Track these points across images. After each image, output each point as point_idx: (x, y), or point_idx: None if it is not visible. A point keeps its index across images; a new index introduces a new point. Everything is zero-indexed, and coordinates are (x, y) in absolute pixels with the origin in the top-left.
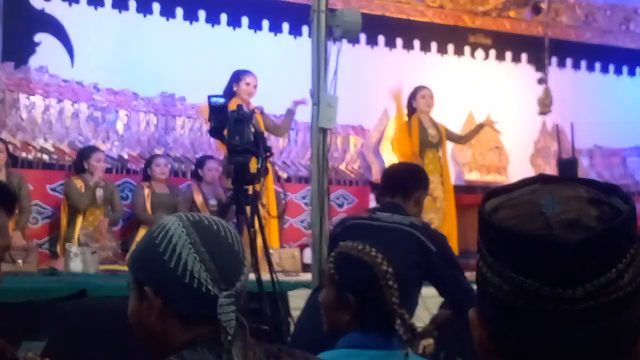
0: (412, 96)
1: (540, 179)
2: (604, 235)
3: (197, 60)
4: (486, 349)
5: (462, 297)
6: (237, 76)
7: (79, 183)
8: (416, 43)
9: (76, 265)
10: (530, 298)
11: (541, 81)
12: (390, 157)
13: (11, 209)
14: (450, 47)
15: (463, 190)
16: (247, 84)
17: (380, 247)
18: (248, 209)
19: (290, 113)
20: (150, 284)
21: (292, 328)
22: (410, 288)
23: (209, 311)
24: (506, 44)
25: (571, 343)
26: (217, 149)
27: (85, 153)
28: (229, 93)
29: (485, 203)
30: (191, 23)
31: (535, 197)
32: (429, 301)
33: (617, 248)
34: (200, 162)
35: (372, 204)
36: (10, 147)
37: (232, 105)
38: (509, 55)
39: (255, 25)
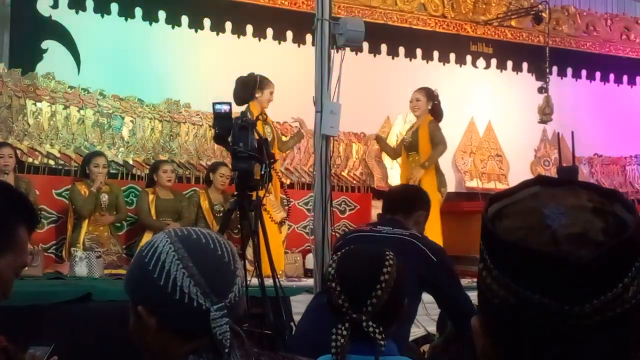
0: None
1: (540, 181)
2: (613, 252)
3: (202, 67)
4: (489, 357)
5: (462, 312)
6: (262, 84)
7: (82, 189)
8: (418, 52)
9: (81, 270)
10: (536, 312)
11: (542, 90)
12: (391, 164)
13: (32, 227)
14: (452, 56)
15: (464, 197)
16: (271, 92)
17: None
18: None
19: (299, 135)
20: (143, 303)
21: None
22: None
23: (203, 325)
24: (507, 53)
25: (576, 356)
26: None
27: (87, 158)
28: (247, 97)
29: (487, 209)
30: (196, 31)
31: (538, 204)
32: (429, 307)
33: (624, 263)
34: (213, 168)
35: (374, 210)
36: (17, 153)
37: (254, 108)
38: (510, 64)
39: (259, 34)
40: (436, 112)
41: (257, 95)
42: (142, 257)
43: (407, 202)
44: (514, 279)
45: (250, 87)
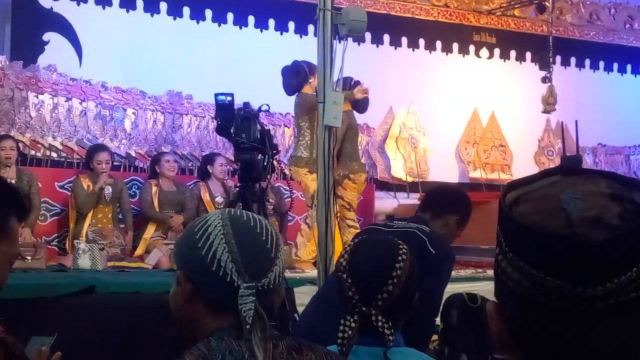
0: None
1: (561, 171)
2: (627, 235)
3: (204, 58)
4: (504, 341)
5: (421, 313)
6: (312, 68)
7: (86, 182)
8: (421, 42)
9: (84, 262)
10: (550, 295)
11: (545, 79)
12: (394, 155)
13: (22, 216)
14: (455, 46)
15: (467, 188)
16: None
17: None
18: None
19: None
20: (183, 268)
21: None
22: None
23: (231, 301)
24: (510, 42)
25: (589, 339)
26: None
27: (90, 153)
28: (302, 83)
29: (505, 195)
30: (198, 22)
31: (556, 191)
32: None
33: (638, 247)
34: (210, 159)
35: (377, 201)
36: (20, 145)
37: (308, 91)
38: (513, 53)
39: (261, 24)
40: (357, 104)
41: (310, 80)
42: (193, 227)
43: (438, 202)
44: (527, 261)
45: (302, 74)
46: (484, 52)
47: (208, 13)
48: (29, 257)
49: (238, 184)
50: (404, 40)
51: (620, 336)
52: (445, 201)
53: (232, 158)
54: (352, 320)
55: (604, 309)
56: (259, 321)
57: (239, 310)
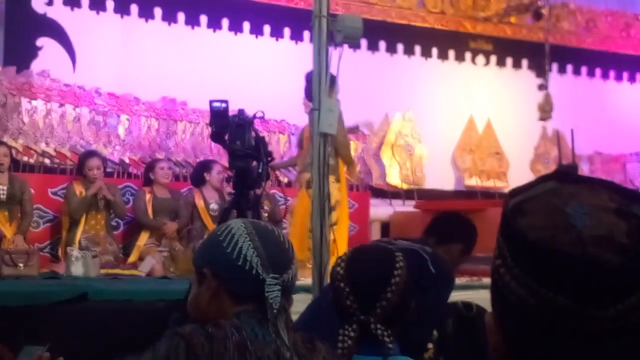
0: None
1: (557, 176)
2: (638, 256)
3: (199, 65)
4: (501, 354)
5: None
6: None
7: (78, 189)
8: (417, 48)
9: (77, 269)
10: (557, 314)
11: (542, 87)
12: (390, 162)
13: None
14: (451, 53)
15: (463, 195)
16: None
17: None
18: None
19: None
20: (208, 266)
21: None
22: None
23: (257, 291)
24: (507, 49)
25: (592, 358)
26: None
27: (81, 160)
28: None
29: (507, 204)
30: (193, 28)
31: (560, 203)
32: None
33: None
34: (207, 166)
35: (372, 208)
36: (12, 151)
37: None
38: (509, 61)
39: (256, 31)
40: None
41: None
42: (215, 232)
43: (443, 230)
44: (536, 279)
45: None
46: (480, 59)
47: (203, 19)
48: (21, 264)
49: (232, 192)
50: (400, 47)
51: (624, 356)
52: (450, 229)
53: (227, 165)
54: (350, 329)
55: (611, 329)
56: (284, 311)
57: (266, 298)
